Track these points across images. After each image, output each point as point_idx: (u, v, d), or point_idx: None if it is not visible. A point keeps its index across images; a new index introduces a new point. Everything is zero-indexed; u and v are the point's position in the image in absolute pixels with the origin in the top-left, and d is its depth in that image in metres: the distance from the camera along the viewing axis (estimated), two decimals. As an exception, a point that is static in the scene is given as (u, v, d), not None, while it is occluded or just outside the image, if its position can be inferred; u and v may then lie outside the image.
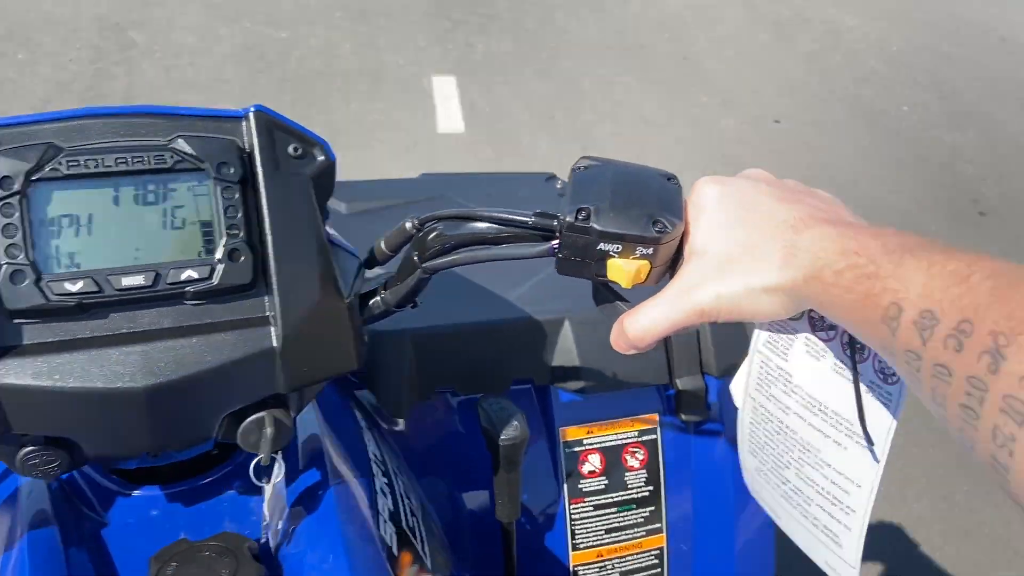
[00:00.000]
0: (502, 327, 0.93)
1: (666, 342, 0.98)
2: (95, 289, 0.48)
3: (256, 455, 0.55)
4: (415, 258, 0.58)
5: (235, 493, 0.64)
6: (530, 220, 0.53)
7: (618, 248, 0.50)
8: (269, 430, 0.54)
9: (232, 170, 0.51)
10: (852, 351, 0.48)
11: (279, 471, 0.58)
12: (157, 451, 0.54)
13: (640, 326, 0.50)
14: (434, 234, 0.57)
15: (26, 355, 0.47)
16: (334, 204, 1.21)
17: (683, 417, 1.00)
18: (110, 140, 0.50)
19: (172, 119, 0.52)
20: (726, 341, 1.00)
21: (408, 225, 0.58)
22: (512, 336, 0.94)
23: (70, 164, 0.48)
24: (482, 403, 0.85)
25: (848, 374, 0.49)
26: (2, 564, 0.61)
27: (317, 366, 0.55)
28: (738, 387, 0.56)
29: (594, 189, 0.52)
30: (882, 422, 0.48)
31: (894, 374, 0.47)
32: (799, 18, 5.31)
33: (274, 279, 0.52)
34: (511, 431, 0.81)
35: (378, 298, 0.62)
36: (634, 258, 0.50)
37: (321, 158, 0.55)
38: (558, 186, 1.36)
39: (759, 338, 0.53)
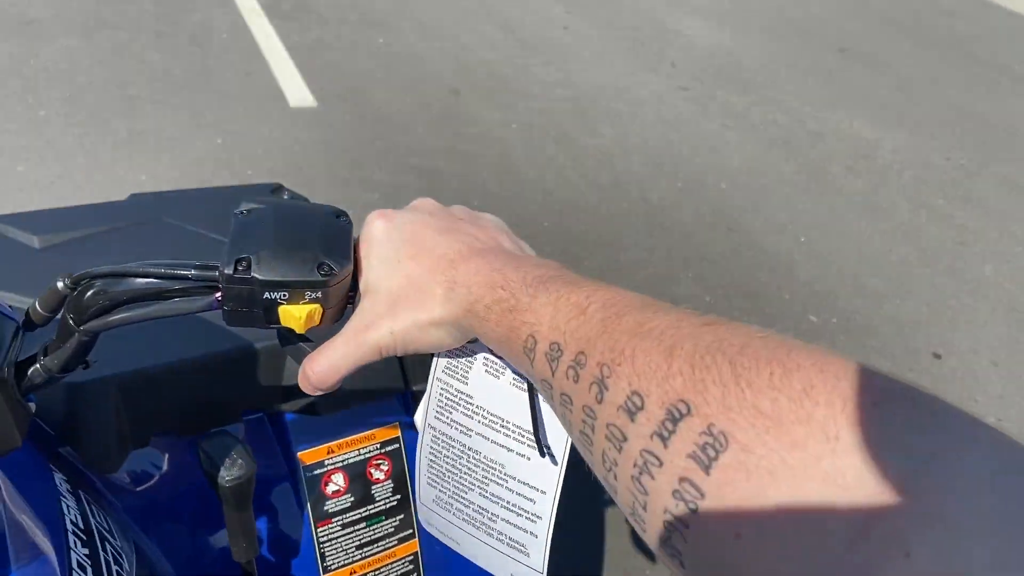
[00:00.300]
0: (222, 358, 0.89)
1: None
2: None
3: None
4: (70, 321, 0.53)
5: None
6: (191, 274, 0.50)
7: (285, 295, 0.49)
8: None
9: None
10: None
11: None
12: None
13: (322, 369, 0.50)
14: (91, 292, 0.52)
15: None
16: (24, 238, 1.08)
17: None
18: None
19: None
20: None
21: (60, 285, 0.53)
22: (234, 366, 0.89)
23: None
24: (202, 444, 0.81)
25: (525, 387, 0.51)
26: None
27: None
28: (420, 418, 0.57)
29: (255, 235, 0.50)
30: (559, 429, 0.51)
31: None
32: None
33: None
34: (235, 470, 0.77)
35: (37, 366, 0.56)
36: (304, 303, 0.49)
37: None
38: (285, 196, 1.31)
39: (438, 365, 0.54)
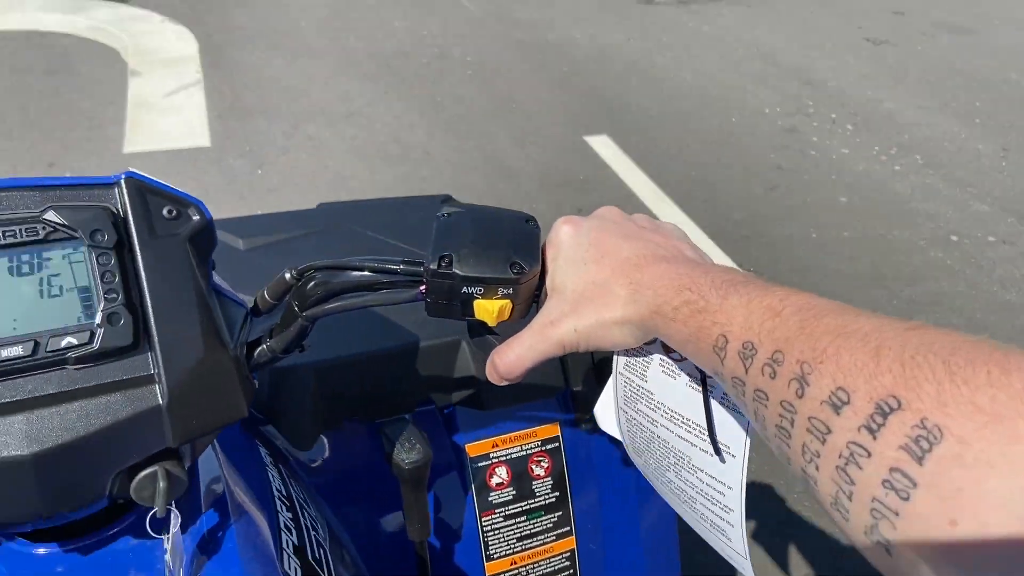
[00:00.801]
0: (401, 353, 0.96)
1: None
2: None
3: (152, 508, 0.57)
4: (295, 307, 0.61)
5: (138, 543, 0.65)
6: (399, 268, 0.57)
7: (480, 290, 0.55)
8: (162, 483, 0.55)
9: (105, 237, 0.53)
10: (701, 370, 0.53)
11: (175, 522, 0.59)
12: (49, 514, 0.55)
13: (509, 360, 0.55)
14: (312, 283, 0.60)
15: None
16: (231, 241, 1.22)
17: (582, 424, 1.05)
18: None
19: (42, 190, 0.53)
20: None
21: (288, 276, 0.61)
22: (411, 361, 0.97)
23: None
24: (384, 429, 0.88)
25: (700, 389, 0.54)
26: None
27: (205, 418, 0.56)
28: (604, 410, 0.60)
29: (455, 235, 0.56)
30: (738, 429, 0.53)
31: None
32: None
33: (156, 338, 0.54)
34: (414, 454, 0.84)
35: (263, 346, 0.64)
36: (496, 298, 0.55)
37: (196, 218, 0.57)
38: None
39: (618, 362, 0.58)
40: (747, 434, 0.53)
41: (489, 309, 0.55)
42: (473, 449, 1.00)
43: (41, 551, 0.63)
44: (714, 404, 0.54)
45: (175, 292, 0.55)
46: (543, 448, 1.03)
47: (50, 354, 0.51)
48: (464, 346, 0.98)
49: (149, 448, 0.55)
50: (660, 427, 0.57)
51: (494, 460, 1.01)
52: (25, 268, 0.52)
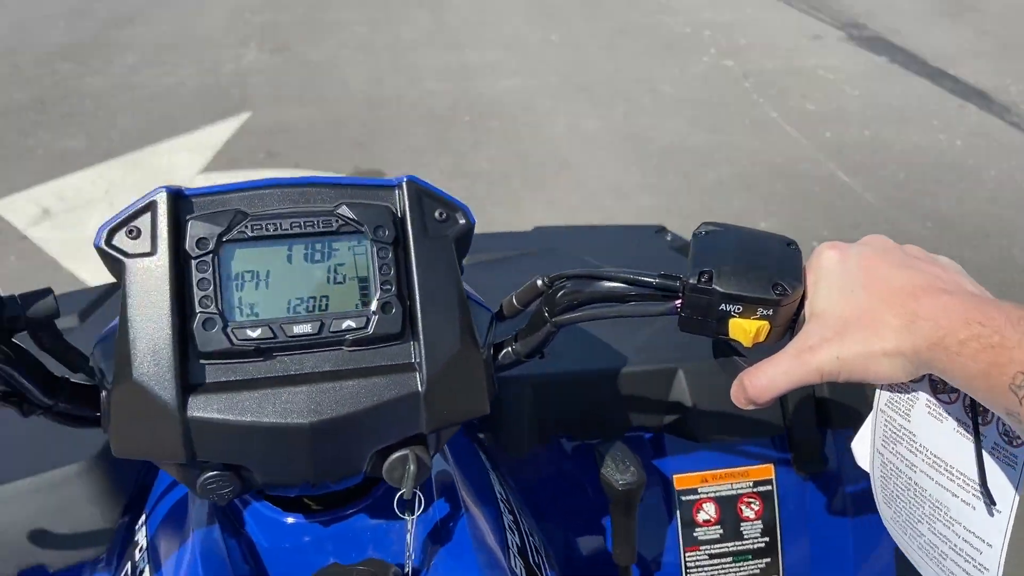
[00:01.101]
0: (618, 375, 0.97)
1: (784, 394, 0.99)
2: (271, 336, 0.56)
3: (398, 489, 0.60)
4: (545, 313, 0.63)
5: (377, 522, 0.70)
6: (655, 281, 0.57)
7: (739, 309, 0.54)
8: (412, 467, 0.59)
9: (387, 233, 0.58)
10: (974, 414, 0.49)
11: (420, 504, 0.63)
12: (317, 481, 0.60)
13: (760, 383, 0.53)
14: (562, 292, 0.62)
15: (211, 392, 0.55)
16: None
17: (799, 468, 1.00)
18: (286, 207, 0.58)
19: (337, 188, 0.59)
20: (844, 394, 1.00)
21: (539, 282, 0.64)
22: (628, 384, 0.97)
23: (254, 227, 0.56)
24: (599, 448, 0.89)
25: (971, 435, 0.50)
26: (174, 564, 0.68)
27: (455, 409, 0.60)
28: (862, 446, 0.57)
29: (716, 252, 0.56)
30: (1007, 484, 0.48)
31: (1019, 437, 0.48)
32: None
33: (420, 330, 0.58)
34: (628, 476, 0.84)
35: (509, 349, 0.67)
36: (755, 319, 0.54)
37: (462, 222, 0.61)
38: (668, 238, 1.40)
39: (881, 398, 0.55)
40: (1017, 490, 0.48)
41: (746, 329, 0.54)
42: (681, 481, 0.98)
43: (290, 520, 0.69)
44: (986, 452, 0.49)
45: (440, 288, 0.59)
46: (755, 489, 0.99)
47: (332, 335, 0.57)
48: (680, 374, 0.97)
49: (404, 431, 0.59)
50: (919, 473, 0.53)
51: (703, 495, 0.98)
52: (318, 255, 0.58)
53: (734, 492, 0.99)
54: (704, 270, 0.55)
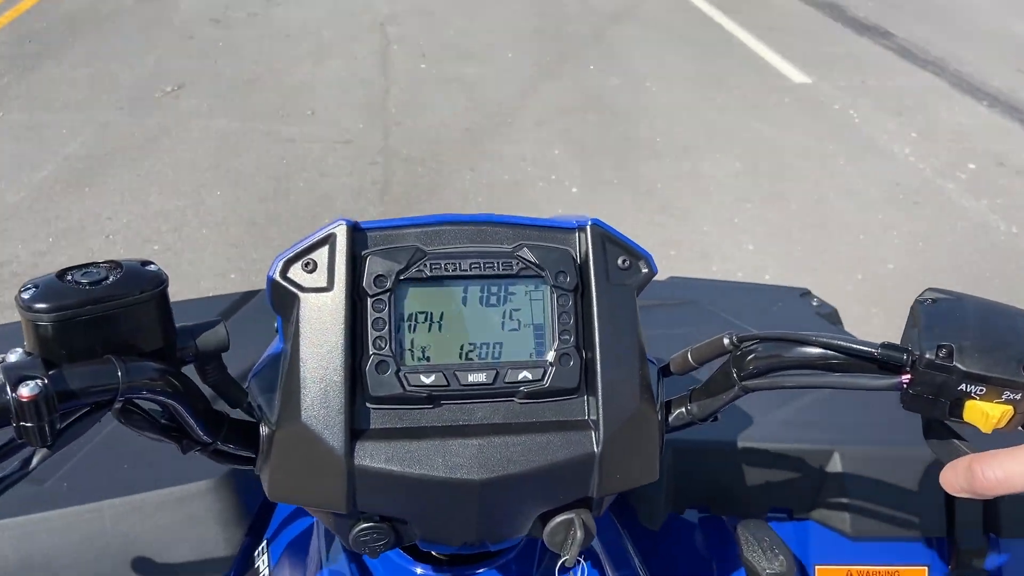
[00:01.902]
0: (766, 450, 0.90)
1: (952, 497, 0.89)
2: (444, 383, 0.52)
3: (530, 553, 0.56)
4: (734, 375, 0.58)
5: None
6: (877, 352, 0.51)
7: (982, 390, 0.48)
8: (579, 533, 0.54)
9: (568, 279, 0.54)
10: None
11: (583, 573, 0.58)
12: (478, 541, 0.56)
13: (995, 475, 0.47)
14: (754, 355, 0.57)
15: (379, 439, 0.51)
16: None
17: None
18: (464, 246, 0.55)
19: (516, 228, 0.56)
20: (1018, 496, 0.90)
21: (726, 341, 0.58)
22: (775, 460, 0.90)
23: (432, 266, 0.53)
24: (743, 528, 0.82)
25: None
26: None
27: (627, 474, 0.55)
28: None
29: (953, 325, 0.50)
30: None
31: None
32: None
33: (599, 385, 0.54)
34: (776, 566, 0.77)
35: (683, 409, 0.62)
36: (998, 402, 0.48)
37: (645, 271, 0.57)
38: (814, 303, 1.32)
39: None
40: None
41: (987, 413, 0.48)
42: (823, 573, 0.90)
43: (419, 571, 0.65)
44: None
45: (621, 341, 0.55)
46: None
47: (506, 385, 0.53)
48: (836, 457, 0.89)
49: (574, 493, 0.55)
50: None
51: None
52: (493, 299, 0.54)
53: None
54: (943, 344, 0.49)
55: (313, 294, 0.52)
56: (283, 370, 0.53)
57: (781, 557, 0.77)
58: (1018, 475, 0.46)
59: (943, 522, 0.90)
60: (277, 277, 0.52)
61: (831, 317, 1.30)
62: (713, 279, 1.49)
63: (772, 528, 0.81)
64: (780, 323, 1.13)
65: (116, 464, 0.88)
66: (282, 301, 0.53)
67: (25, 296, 0.49)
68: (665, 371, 0.63)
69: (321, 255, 0.52)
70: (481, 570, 0.65)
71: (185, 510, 0.83)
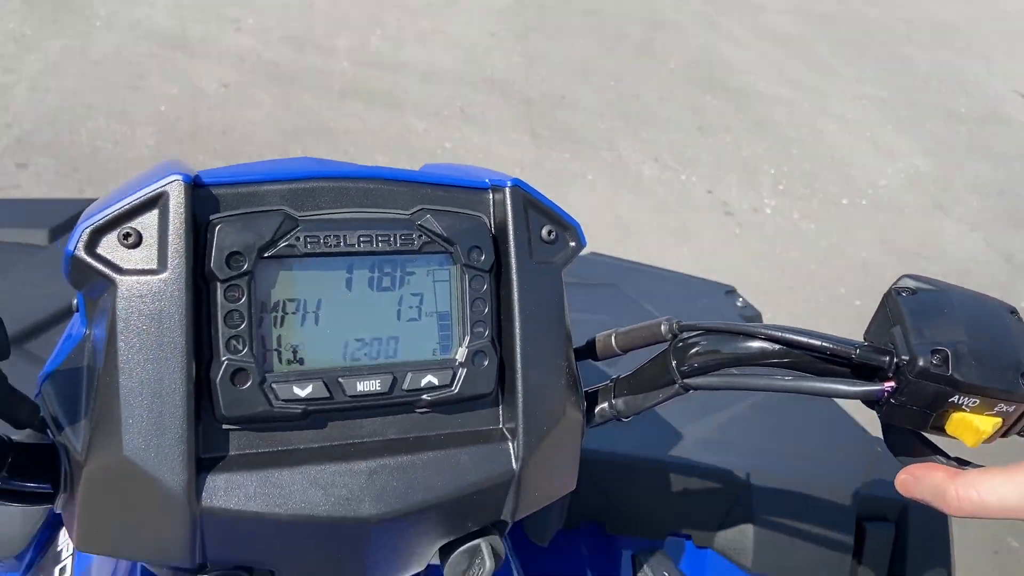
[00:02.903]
0: (674, 468, 0.82)
1: (860, 534, 0.83)
2: (325, 395, 0.40)
3: None
4: (674, 369, 0.49)
5: None
6: (854, 353, 0.43)
7: (974, 402, 0.41)
8: (488, 562, 0.44)
9: (483, 256, 0.43)
10: None
11: None
12: None
13: (972, 494, 0.41)
14: (697, 347, 0.48)
15: (236, 470, 0.38)
16: None
17: None
18: (348, 211, 0.42)
19: (416, 187, 0.44)
20: (924, 542, 0.85)
21: (663, 328, 0.49)
22: (682, 481, 0.82)
23: (309, 240, 0.40)
24: (640, 557, 0.74)
25: None
26: None
27: (545, 490, 0.46)
28: None
29: (943, 325, 0.42)
30: None
31: None
32: None
33: (519, 388, 0.43)
34: None
35: (606, 404, 0.52)
36: (989, 415, 0.42)
37: (573, 244, 0.47)
38: (739, 303, 1.26)
39: None
40: None
41: (975, 427, 0.41)
42: None
43: None
44: None
45: (546, 334, 0.45)
46: None
47: (406, 394, 0.42)
48: (751, 484, 0.82)
49: (482, 520, 0.45)
50: None
51: None
52: (387, 282, 0.42)
53: None
54: (937, 348, 0.41)
55: (137, 278, 0.37)
56: (91, 379, 0.38)
57: None
58: (999, 499, 0.40)
59: (845, 568, 0.85)
60: (81, 253, 0.37)
61: (755, 320, 1.24)
62: (635, 262, 1.39)
63: (670, 560, 0.73)
64: (707, 318, 1.08)
65: None
66: (88, 284, 0.38)
67: None
68: (581, 353, 0.53)
69: (147, 223, 0.38)
70: None
71: None
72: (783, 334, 0.45)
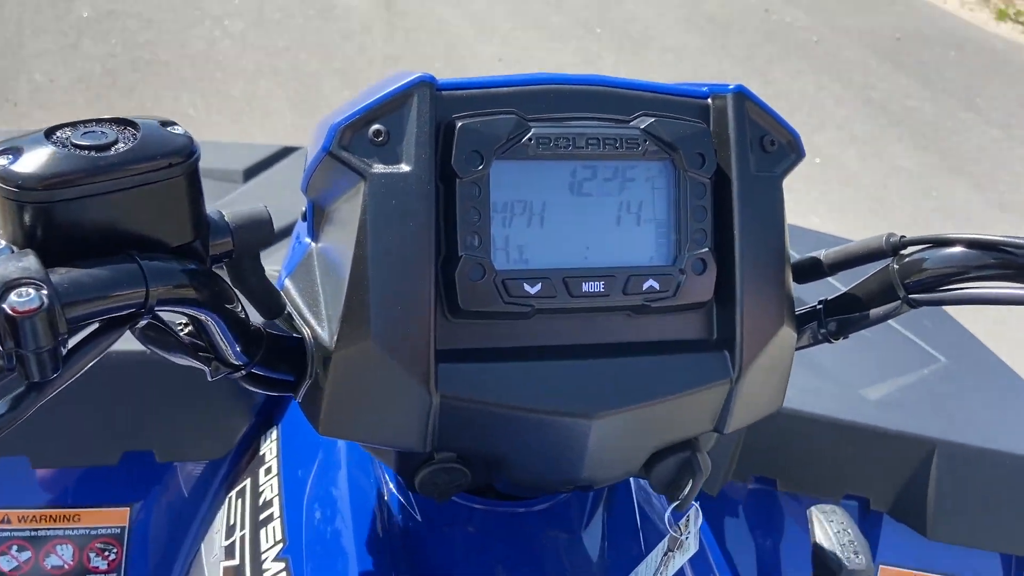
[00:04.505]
0: (853, 429, 0.78)
1: None
2: (551, 293, 0.41)
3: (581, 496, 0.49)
4: (898, 284, 0.47)
5: (555, 533, 0.55)
6: None
7: None
8: (701, 471, 0.45)
9: (705, 163, 0.42)
10: None
11: (697, 519, 0.48)
12: (580, 483, 0.46)
13: None
14: (924, 261, 0.46)
15: (469, 361, 0.40)
16: None
17: None
18: (573, 114, 0.42)
19: (638, 94, 0.43)
20: None
21: (884, 243, 0.48)
22: (862, 443, 0.79)
23: (540, 142, 0.41)
24: (819, 513, 0.71)
25: None
26: (311, 514, 0.56)
27: (757, 404, 0.46)
28: None
29: None
30: None
31: None
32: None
33: (739, 298, 0.43)
34: (858, 562, 0.66)
35: (815, 324, 0.51)
36: None
37: (793, 156, 0.46)
38: None
39: None
40: None
41: None
42: (888, 574, 0.79)
43: (458, 500, 0.55)
44: None
45: (765, 245, 0.44)
46: None
47: (626, 297, 0.42)
48: (936, 451, 0.78)
49: (696, 427, 0.45)
50: None
51: None
52: (608, 186, 0.42)
53: None
54: None
55: (387, 172, 0.39)
56: (337, 273, 0.41)
57: (862, 557, 0.66)
58: None
59: None
60: (336, 150, 0.39)
61: None
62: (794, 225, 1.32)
63: (849, 517, 0.70)
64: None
65: None
66: (333, 181, 0.41)
67: (3, 162, 0.34)
68: (803, 274, 0.53)
69: (395, 121, 0.39)
70: (537, 507, 0.55)
71: (192, 374, 0.73)
72: (1018, 239, 0.42)
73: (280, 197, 0.88)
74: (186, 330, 0.41)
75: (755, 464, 0.80)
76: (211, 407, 0.74)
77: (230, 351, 0.41)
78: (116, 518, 0.73)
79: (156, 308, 0.36)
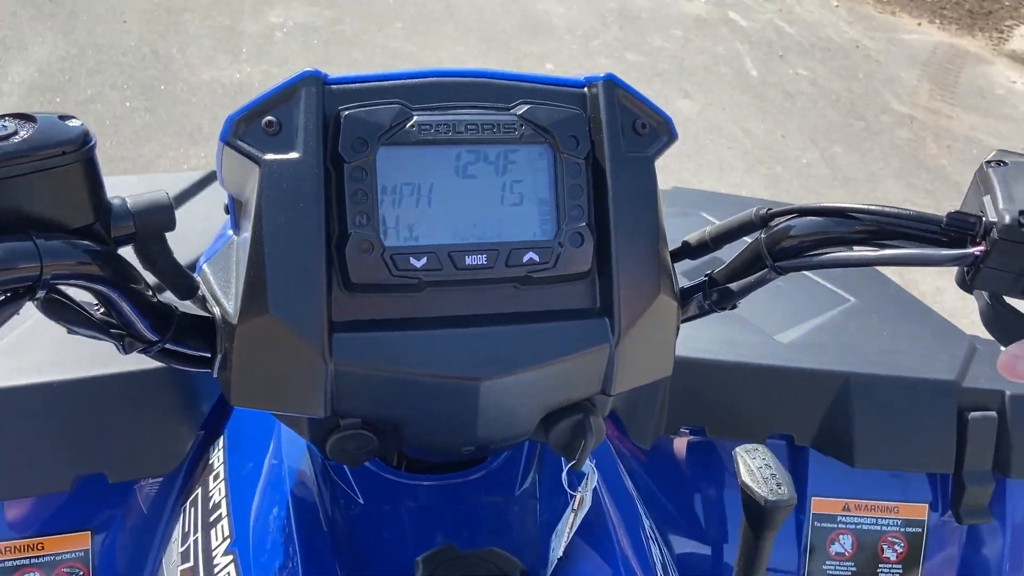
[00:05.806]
0: (772, 372, 0.83)
1: (962, 426, 0.84)
2: (437, 266, 0.44)
3: (515, 461, 0.52)
4: (766, 254, 0.51)
5: (492, 499, 0.59)
6: (943, 219, 0.44)
7: None
8: (592, 433, 0.48)
9: (579, 145, 0.46)
10: None
11: (593, 479, 0.52)
12: (478, 445, 0.50)
13: None
14: (791, 230, 0.50)
15: (363, 331, 0.44)
16: None
17: (959, 515, 0.85)
18: (457, 105, 0.46)
19: (517, 85, 0.48)
20: None
21: (753, 216, 0.51)
22: (781, 384, 0.84)
23: (422, 128, 0.44)
24: (743, 452, 0.76)
25: None
26: (258, 510, 0.59)
27: (642, 369, 0.49)
28: None
29: None
30: None
31: None
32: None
33: (615, 269, 0.46)
34: (781, 492, 0.71)
35: (700, 295, 0.55)
36: None
37: (665, 137, 0.50)
38: None
39: None
40: None
41: None
42: (820, 504, 0.85)
43: (394, 479, 0.59)
44: None
45: (639, 218, 0.47)
46: (902, 530, 0.85)
47: (508, 269, 0.45)
48: (849, 382, 0.83)
49: (582, 391, 0.49)
50: None
51: (841, 525, 0.85)
52: (491, 169, 0.46)
53: (877, 528, 0.85)
54: None
55: (278, 159, 0.43)
56: (241, 253, 0.44)
57: (784, 488, 0.71)
58: None
59: (951, 459, 0.85)
60: (232, 140, 0.43)
61: None
62: (719, 192, 1.40)
63: (772, 454, 0.75)
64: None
65: (58, 337, 0.79)
66: (236, 171, 0.45)
67: None
68: (677, 254, 0.56)
69: (285, 113, 0.44)
70: (472, 476, 0.59)
71: (137, 395, 0.75)
72: (870, 206, 0.46)
73: (212, 217, 0.90)
74: (101, 310, 0.46)
75: (684, 415, 0.84)
76: (157, 424, 0.76)
77: (143, 326, 0.46)
78: (79, 542, 0.75)
79: (54, 283, 0.41)
